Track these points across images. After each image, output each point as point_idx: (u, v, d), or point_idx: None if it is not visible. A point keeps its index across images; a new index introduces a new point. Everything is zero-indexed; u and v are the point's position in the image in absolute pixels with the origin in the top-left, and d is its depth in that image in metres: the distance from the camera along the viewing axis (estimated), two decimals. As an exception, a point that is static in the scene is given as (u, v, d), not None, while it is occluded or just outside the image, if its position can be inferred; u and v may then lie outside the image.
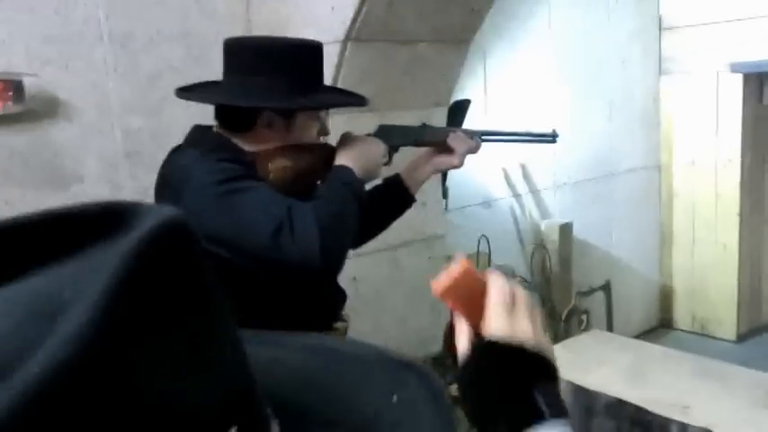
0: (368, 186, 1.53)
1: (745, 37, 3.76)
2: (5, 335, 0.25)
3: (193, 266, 0.31)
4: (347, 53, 2.29)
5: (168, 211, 0.31)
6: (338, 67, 2.32)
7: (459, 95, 3.09)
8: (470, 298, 0.67)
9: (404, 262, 2.66)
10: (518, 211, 3.44)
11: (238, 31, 2.63)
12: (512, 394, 0.63)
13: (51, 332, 0.24)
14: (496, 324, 0.66)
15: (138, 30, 2.42)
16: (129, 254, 0.27)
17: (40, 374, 0.22)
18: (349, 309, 2.60)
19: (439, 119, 2.66)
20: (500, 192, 3.39)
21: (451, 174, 3.07)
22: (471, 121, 3.13)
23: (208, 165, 1.20)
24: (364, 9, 2.19)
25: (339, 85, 2.36)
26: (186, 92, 1.35)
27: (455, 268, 0.67)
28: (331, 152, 1.39)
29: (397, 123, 1.64)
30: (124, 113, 2.39)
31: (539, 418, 0.62)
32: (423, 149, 1.63)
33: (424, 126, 1.62)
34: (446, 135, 1.58)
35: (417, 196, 1.73)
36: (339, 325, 1.46)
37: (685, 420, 1.22)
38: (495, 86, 3.31)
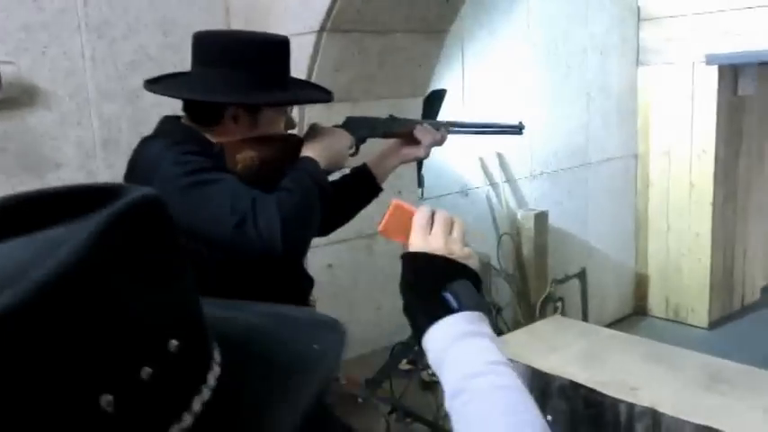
0: (335, 176, 1.58)
1: (720, 29, 3.82)
2: (21, 259, 0.36)
3: (162, 227, 0.44)
4: (322, 43, 2.32)
5: (148, 190, 0.44)
6: (313, 56, 2.35)
7: (436, 85, 3.13)
8: (405, 228, 0.86)
9: (378, 249, 2.71)
10: (494, 200, 3.50)
11: (216, 20, 2.65)
12: (425, 293, 0.78)
13: (51, 257, 0.35)
14: (415, 241, 0.83)
15: (116, 18, 2.43)
16: (114, 211, 0.39)
17: (43, 279, 0.34)
18: (324, 294, 2.66)
19: (415, 109, 2.70)
20: (477, 181, 3.44)
21: (428, 162, 3.12)
22: (448, 111, 3.18)
23: (175, 156, 1.23)
24: None
25: (314, 75, 2.39)
26: (153, 84, 1.38)
27: (388, 210, 0.89)
28: (298, 143, 1.42)
29: (367, 114, 1.68)
30: (101, 101, 2.41)
31: (449, 311, 0.75)
32: (390, 140, 1.67)
33: (391, 118, 1.65)
34: (413, 127, 1.62)
35: (393, 184, 1.77)
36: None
37: (633, 401, 1.28)
38: (473, 76, 3.35)
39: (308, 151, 1.35)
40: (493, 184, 3.49)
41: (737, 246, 4.31)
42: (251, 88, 1.30)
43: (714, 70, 3.87)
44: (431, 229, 0.84)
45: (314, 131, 1.43)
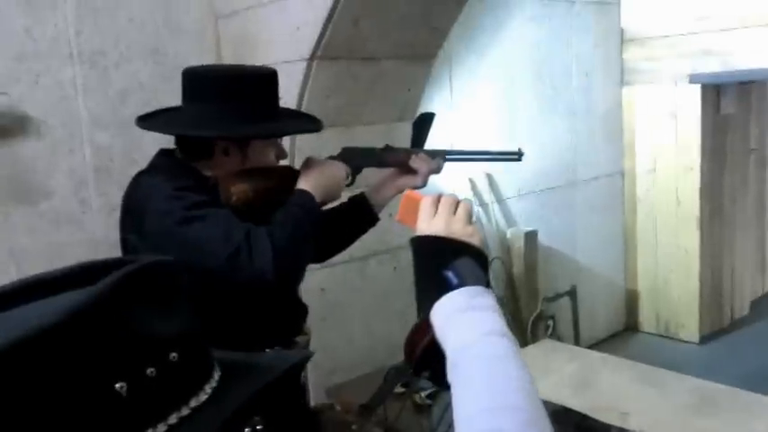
0: (333, 204, 1.60)
1: (703, 49, 3.90)
2: (60, 303, 0.54)
3: (165, 281, 0.62)
4: (313, 71, 2.35)
5: (159, 258, 0.63)
6: (304, 84, 2.38)
7: (425, 108, 3.16)
8: (416, 215, 0.93)
9: (370, 272, 2.73)
10: (484, 220, 3.53)
11: (207, 49, 2.68)
12: (428, 273, 0.84)
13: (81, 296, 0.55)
14: (420, 225, 0.90)
15: (108, 47, 2.46)
16: (123, 273, 0.58)
17: (75, 306, 0.53)
18: (317, 318, 2.67)
19: (404, 133, 2.72)
20: (467, 201, 3.47)
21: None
22: (436, 134, 3.21)
23: (169, 191, 1.25)
24: (329, 28, 2.26)
25: (305, 102, 2.42)
26: (145, 120, 1.40)
27: (401, 200, 1.00)
28: (292, 175, 1.45)
29: (360, 141, 1.70)
30: (94, 130, 2.43)
31: (450, 288, 0.80)
32: (387, 170, 1.68)
33: (386, 148, 1.67)
34: (408, 157, 1.63)
35: (385, 207, 1.77)
36: (300, 338, 1.51)
37: (624, 426, 1.30)
38: (461, 99, 3.40)
39: (303, 184, 1.37)
40: (482, 204, 3.53)
41: (725, 261, 4.36)
42: (239, 121, 1.32)
43: (697, 89, 3.94)
44: (435, 212, 0.89)
45: (309, 164, 1.45)
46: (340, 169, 1.48)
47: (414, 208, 0.95)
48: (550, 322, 3.60)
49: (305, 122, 1.54)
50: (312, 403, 2.61)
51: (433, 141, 3.12)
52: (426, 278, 0.85)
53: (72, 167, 2.42)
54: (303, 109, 2.44)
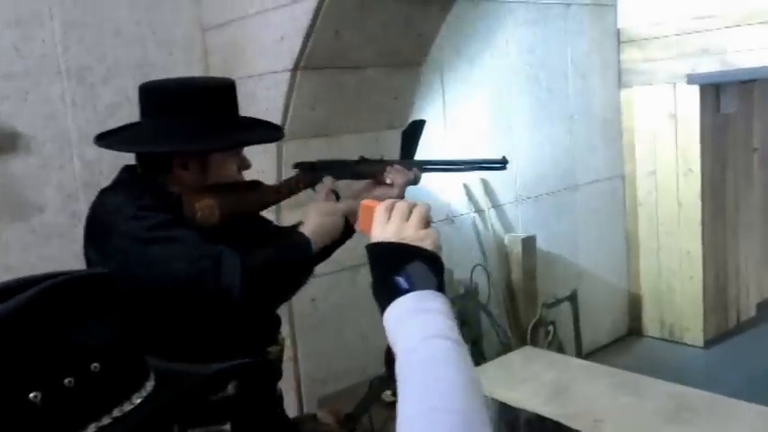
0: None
1: (700, 49, 3.86)
2: None
3: (96, 295, 0.64)
4: (297, 81, 2.36)
5: (91, 270, 0.70)
6: (289, 94, 2.38)
7: (417, 116, 3.16)
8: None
9: (362, 281, 2.71)
10: (481, 226, 3.51)
11: (195, 61, 2.70)
12: (381, 279, 0.85)
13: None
14: (374, 232, 0.92)
15: (95, 63, 2.48)
16: (51, 283, 0.61)
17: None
18: (309, 328, 2.67)
19: (393, 141, 2.72)
20: (462, 207, 3.45)
21: (412, 190, 3.13)
22: (430, 142, 3.20)
23: (132, 212, 1.24)
24: (312, 38, 2.27)
25: (291, 112, 2.43)
26: (103, 138, 1.40)
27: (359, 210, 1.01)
28: (258, 188, 1.44)
29: (351, 147, 1.69)
30: (83, 145, 2.45)
31: (400, 293, 0.81)
32: (364, 182, 1.67)
33: (361, 160, 1.65)
34: (383, 168, 1.61)
35: None
36: (272, 349, 1.50)
37: (597, 433, 1.28)
38: (454, 105, 3.39)
39: (308, 227, 1.37)
40: (479, 211, 3.51)
41: (729, 263, 4.29)
42: (195, 135, 1.31)
43: (696, 90, 3.90)
44: (389, 219, 0.91)
45: (315, 207, 1.44)
46: (339, 210, 1.47)
47: (370, 216, 0.95)
48: (551, 328, 3.56)
49: (265, 132, 1.52)
50: (305, 411, 2.60)
51: (427, 150, 3.12)
52: (380, 284, 0.86)
53: (62, 182, 2.44)
54: (289, 119, 2.44)
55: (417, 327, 0.78)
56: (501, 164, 1.74)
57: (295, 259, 1.31)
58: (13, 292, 0.60)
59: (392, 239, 0.88)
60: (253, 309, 1.24)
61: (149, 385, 0.65)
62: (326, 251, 1.74)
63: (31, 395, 0.55)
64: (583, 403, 1.38)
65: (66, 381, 0.57)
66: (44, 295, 0.59)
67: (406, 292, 0.81)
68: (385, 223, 0.91)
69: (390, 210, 0.92)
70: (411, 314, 0.80)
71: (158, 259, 1.21)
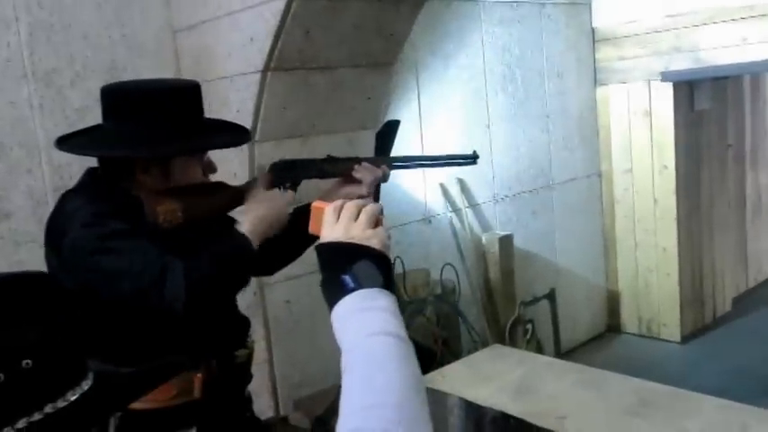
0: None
1: (674, 47, 3.90)
2: None
3: (28, 292, 0.65)
4: (267, 82, 2.35)
5: (32, 271, 0.69)
6: (260, 95, 2.37)
7: (392, 115, 3.16)
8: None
9: (337, 282, 2.71)
10: (458, 226, 3.52)
11: (166, 63, 2.67)
12: (329, 278, 0.86)
13: None
14: (323, 233, 0.93)
15: (63, 66, 2.45)
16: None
17: None
18: (284, 331, 2.65)
19: (367, 141, 2.72)
20: (439, 207, 3.46)
21: (389, 191, 3.13)
22: (406, 141, 3.21)
23: (87, 218, 1.23)
24: (281, 39, 2.26)
25: (262, 113, 2.42)
26: (64, 141, 1.38)
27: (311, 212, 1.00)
28: (223, 190, 1.43)
29: (303, 156, 1.67)
30: (51, 149, 2.40)
31: (346, 292, 0.82)
32: (332, 180, 1.66)
33: (328, 158, 1.63)
34: (351, 167, 1.60)
35: None
36: (240, 352, 1.49)
37: (560, 430, 1.28)
38: (430, 105, 3.39)
39: (244, 224, 1.34)
40: (456, 210, 3.51)
41: (705, 259, 4.34)
42: (156, 139, 1.29)
43: (669, 87, 3.93)
44: (337, 219, 0.92)
45: (252, 198, 1.42)
46: (283, 203, 1.45)
47: (320, 217, 0.96)
48: (529, 326, 3.57)
49: (231, 135, 1.50)
50: (281, 414, 2.59)
51: (403, 150, 3.12)
52: (327, 283, 0.86)
53: (30, 187, 2.41)
54: (261, 120, 2.43)
55: (360, 324, 0.79)
56: (471, 158, 1.73)
57: (234, 261, 1.29)
58: None
59: (340, 239, 0.89)
60: (198, 317, 1.23)
61: (85, 384, 0.66)
62: (295, 251, 1.72)
63: None
64: (547, 400, 1.38)
65: None
66: None
67: (353, 290, 0.82)
68: (333, 224, 0.92)
69: (339, 210, 0.94)
70: (355, 312, 0.81)
71: (104, 271, 1.19)
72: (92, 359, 0.71)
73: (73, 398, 0.64)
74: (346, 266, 0.84)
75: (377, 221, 0.93)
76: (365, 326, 0.78)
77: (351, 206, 0.93)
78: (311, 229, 1.01)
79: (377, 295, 0.82)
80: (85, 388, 0.66)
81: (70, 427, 0.63)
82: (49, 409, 0.62)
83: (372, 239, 0.89)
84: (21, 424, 0.60)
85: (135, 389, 0.74)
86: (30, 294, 0.65)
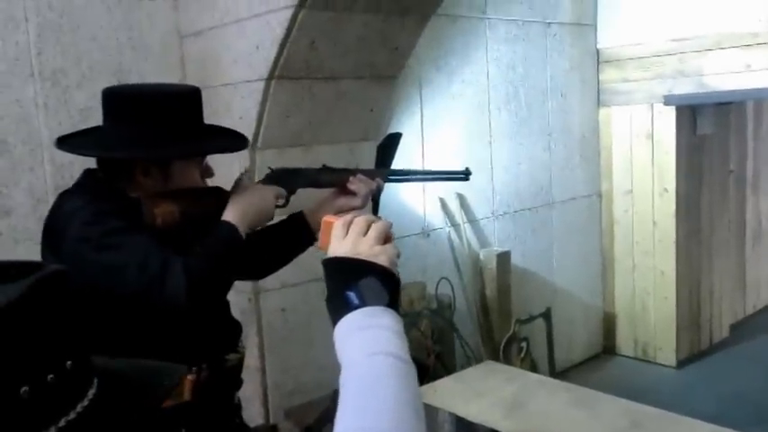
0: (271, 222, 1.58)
1: (678, 71, 3.92)
2: None
3: (60, 296, 0.62)
4: (272, 90, 2.36)
5: (55, 267, 0.63)
6: (263, 103, 2.38)
7: (395, 128, 3.18)
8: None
9: (332, 292, 2.70)
10: (456, 241, 3.52)
11: (172, 68, 2.69)
12: (334, 294, 0.85)
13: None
14: (331, 248, 0.92)
15: (69, 66, 2.47)
16: (30, 282, 0.58)
17: None
18: (278, 339, 2.64)
19: (367, 153, 2.73)
20: (438, 221, 3.46)
21: (388, 203, 3.15)
22: (407, 155, 3.22)
23: (88, 216, 1.23)
24: (287, 48, 2.27)
25: (264, 121, 2.43)
26: (64, 141, 1.39)
27: (321, 227, 0.99)
28: (220, 195, 1.43)
29: (298, 165, 1.67)
30: (54, 148, 2.41)
31: (350, 309, 0.81)
32: (327, 190, 1.66)
33: (323, 168, 1.64)
34: (346, 178, 1.61)
35: None
36: (231, 356, 1.49)
37: (549, 449, 1.28)
38: (433, 119, 3.41)
39: (228, 213, 1.35)
40: (454, 225, 3.52)
41: (703, 283, 4.33)
42: (156, 142, 1.30)
43: (672, 111, 3.95)
44: (346, 234, 0.91)
45: (237, 190, 1.43)
46: (269, 195, 1.45)
47: (330, 231, 0.95)
48: (524, 344, 3.56)
49: (229, 141, 1.51)
50: (271, 422, 2.58)
51: (404, 163, 3.13)
52: (332, 298, 0.85)
53: (32, 185, 2.42)
54: (263, 128, 2.44)
55: (362, 342, 0.78)
56: (464, 175, 1.75)
57: (226, 248, 1.30)
58: None
59: (347, 255, 0.88)
60: (199, 311, 1.23)
61: (91, 392, 0.64)
62: (285, 256, 1.72)
63: (22, 390, 0.55)
64: (538, 419, 1.37)
65: (22, 390, 0.55)
66: (37, 288, 0.58)
67: (357, 307, 0.81)
68: (342, 238, 0.91)
69: (348, 225, 0.93)
70: (358, 330, 0.80)
71: (107, 267, 1.20)
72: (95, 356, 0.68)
73: (81, 409, 0.61)
74: (351, 282, 0.84)
75: (386, 238, 0.92)
76: (366, 344, 0.78)
77: (360, 221, 0.93)
78: (320, 245, 0.99)
79: (381, 313, 0.81)
80: (90, 396, 0.63)
81: None
82: (62, 422, 0.59)
83: (380, 256, 0.88)
84: (61, 423, 0.58)
85: (144, 401, 0.72)
86: (56, 297, 0.61)
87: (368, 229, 0.91)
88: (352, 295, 0.82)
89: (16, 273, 0.60)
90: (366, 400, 0.71)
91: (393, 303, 0.84)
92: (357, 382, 0.74)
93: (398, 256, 0.91)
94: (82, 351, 0.63)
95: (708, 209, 4.31)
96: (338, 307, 0.82)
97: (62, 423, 0.59)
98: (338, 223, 0.94)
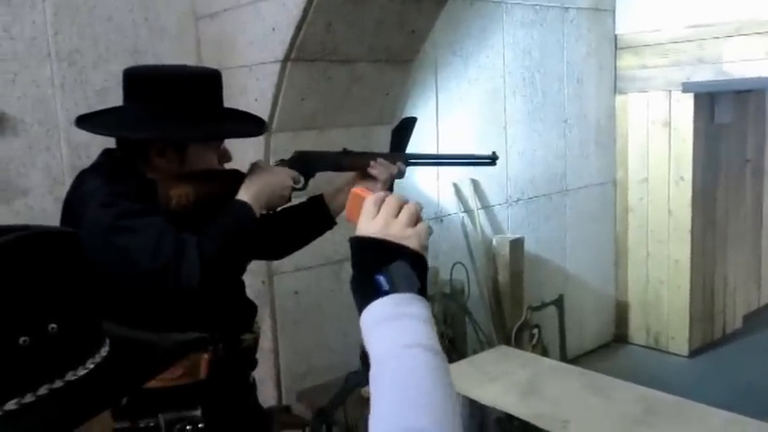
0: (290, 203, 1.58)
1: (697, 58, 3.86)
2: None
3: (63, 255, 0.63)
4: (287, 72, 2.35)
5: (63, 228, 0.65)
6: (278, 85, 2.38)
7: (410, 112, 3.16)
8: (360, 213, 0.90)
9: (345, 276, 2.70)
10: (469, 227, 3.51)
11: (187, 50, 2.69)
12: (362, 276, 0.80)
13: None
14: (360, 225, 0.87)
15: (86, 47, 2.47)
16: (19, 236, 0.59)
17: None
18: (290, 322, 2.66)
19: (382, 137, 2.72)
20: (451, 207, 3.45)
21: (402, 188, 3.13)
22: (423, 139, 3.20)
23: (104, 197, 1.24)
24: (303, 30, 2.26)
25: (280, 104, 2.42)
26: (85, 120, 1.40)
27: (349, 197, 0.95)
28: (237, 178, 1.44)
29: (318, 149, 1.67)
30: (71, 128, 2.43)
31: (379, 294, 0.77)
32: (347, 174, 1.66)
33: (344, 152, 1.63)
34: (367, 162, 1.59)
35: None
36: (246, 336, 1.50)
37: (563, 434, 1.28)
38: (448, 104, 3.38)
39: (243, 194, 1.35)
40: (468, 211, 3.50)
41: (718, 273, 4.30)
42: (174, 123, 1.30)
43: (690, 98, 3.90)
44: (377, 212, 0.86)
45: (253, 170, 1.43)
46: (284, 176, 1.45)
47: (358, 205, 0.91)
48: (535, 331, 3.55)
49: (247, 125, 1.51)
50: (284, 404, 2.60)
51: (418, 147, 3.11)
52: (360, 280, 0.81)
53: (48, 165, 2.43)
54: (278, 110, 2.44)
55: (395, 333, 0.75)
56: (491, 159, 1.72)
57: (240, 227, 1.29)
58: None
59: (377, 235, 0.83)
60: (213, 291, 1.23)
61: (104, 351, 0.65)
62: (301, 239, 1.73)
63: (21, 339, 0.56)
64: (552, 404, 1.37)
65: (21, 339, 0.56)
66: (9, 248, 0.58)
67: (386, 293, 0.77)
68: (372, 217, 0.86)
69: (380, 203, 0.87)
70: (389, 319, 0.76)
71: (122, 249, 1.20)
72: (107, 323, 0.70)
73: (92, 365, 0.62)
74: (382, 266, 0.79)
75: (417, 220, 0.87)
76: (401, 335, 0.74)
77: (392, 201, 0.87)
78: (348, 216, 0.95)
79: (412, 301, 0.77)
80: (104, 354, 0.64)
81: (91, 397, 0.61)
82: (70, 376, 0.60)
83: (411, 239, 0.83)
84: (42, 391, 0.58)
85: (154, 361, 0.72)
86: (58, 252, 0.62)
87: (399, 210, 0.86)
88: (382, 279, 0.78)
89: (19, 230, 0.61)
90: (408, 397, 0.68)
91: (423, 290, 0.80)
92: (395, 377, 0.70)
93: (430, 232, 0.87)
94: (76, 316, 0.63)
95: (724, 198, 4.26)
96: (366, 290, 0.78)
97: (69, 377, 0.60)
98: (370, 200, 0.88)
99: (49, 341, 0.58)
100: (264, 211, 1.42)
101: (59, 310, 0.60)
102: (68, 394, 0.59)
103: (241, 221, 1.30)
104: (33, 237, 0.60)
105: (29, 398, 0.57)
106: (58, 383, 0.59)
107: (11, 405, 0.56)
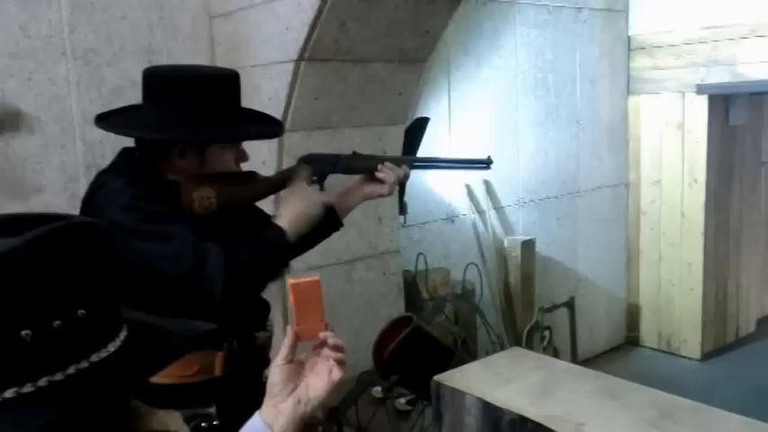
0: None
1: (711, 59, 3.84)
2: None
3: (88, 245, 0.66)
4: (301, 71, 2.35)
5: (85, 219, 0.70)
6: (292, 84, 2.38)
7: (423, 113, 3.16)
8: (307, 303, 1.01)
9: (357, 276, 2.71)
10: (481, 228, 3.50)
11: (201, 49, 2.70)
12: None
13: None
14: None
15: (101, 45, 2.48)
16: (49, 228, 0.62)
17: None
18: (302, 321, 2.65)
19: (395, 137, 2.72)
20: (463, 208, 3.45)
21: (413, 189, 3.14)
22: (435, 140, 3.20)
23: (126, 200, 1.24)
24: (317, 29, 2.26)
25: (293, 103, 2.42)
26: (104, 119, 1.40)
27: (311, 278, 1.01)
28: (257, 181, 1.44)
29: (354, 140, 1.68)
30: (86, 126, 2.45)
31: None
32: (355, 177, 1.67)
33: (353, 155, 1.65)
34: (375, 165, 1.60)
35: (374, 211, 1.70)
36: (260, 334, 1.51)
37: (578, 437, 1.27)
38: (460, 104, 3.38)
39: (283, 218, 1.36)
40: (480, 212, 3.50)
41: (731, 277, 4.26)
42: (195, 124, 1.31)
43: (704, 100, 3.87)
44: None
45: (295, 191, 1.43)
46: (318, 198, 1.46)
47: (313, 301, 1.02)
48: (546, 333, 3.54)
49: (267, 126, 1.52)
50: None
51: (431, 147, 3.12)
52: None
53: (63, 163, 2.45)
54: (292, 110, 2.44)
55: None
56: (485, 164, 1.74)
57: (272, 253, 1.31)
58: (5, 228, 0.63)
59: None
60: (232, 305, 1.24)
61: (123, 335, 0.69)
62: (309, 241, 1.73)
63: (23, 332, 0.58)
64: (566, 406, 1.36)
65: (56, 323, 0.60)
66: (44, 238, 0.61)
67: None
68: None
69: None
70: None
71: (143, 254, 1.21)
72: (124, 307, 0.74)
73: (113, 348, 0.66)
74: None
75: None
76: None
77: None
78: (292, 290, 1.02)
79: None
80: (123, 338, 0.68)
81: (113, 379, 0.65)
82: (94, 357, 0.64)
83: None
84: (70, 370, 0.62)
85: (171, 347, 0.76)
86: (88, 241, 0.66)
87: None
88: None
89: (36, 223, 0.64)
90: None
91: None
92: None
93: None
94: (101, 302, 0.67)
95: (738, 201, 4.23)
96: None
97: (94, 358, 0.64)
98: None
99: (78, 325, 0.62)
100: (295, 239, 1.41)
101: (88, 296, 0.64)
102: (92, 376, 0.63)
103: (274, 249, 1.32)
104: (69, 227, 0.64)
105: (59, 376, 0.61)
106: (84, 364, 0.63)
107: (42, 382, 0.60)
